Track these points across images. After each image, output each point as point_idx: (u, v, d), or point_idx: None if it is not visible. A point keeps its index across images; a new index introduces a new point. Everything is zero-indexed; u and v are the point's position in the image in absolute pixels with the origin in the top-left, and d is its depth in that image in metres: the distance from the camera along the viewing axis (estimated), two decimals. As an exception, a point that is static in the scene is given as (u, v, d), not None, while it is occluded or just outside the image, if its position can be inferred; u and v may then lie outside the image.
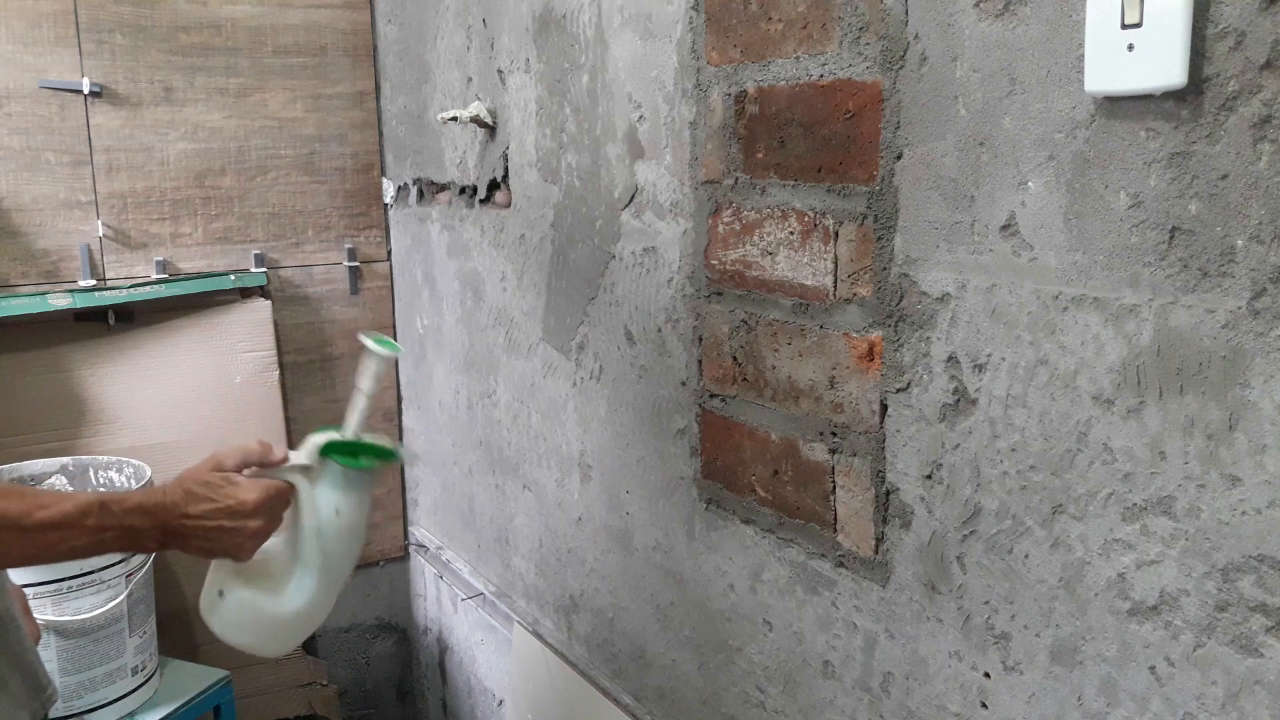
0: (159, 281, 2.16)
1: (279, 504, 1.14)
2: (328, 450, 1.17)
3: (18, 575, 1.37)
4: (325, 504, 1.17)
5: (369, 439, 1.20)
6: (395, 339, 2.45)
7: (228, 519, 1.09)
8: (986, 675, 0.98)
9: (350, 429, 1.20)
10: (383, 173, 2.39)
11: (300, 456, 1.17)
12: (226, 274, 2.24)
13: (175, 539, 1.09)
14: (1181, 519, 0.80)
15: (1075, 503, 0.88)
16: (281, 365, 2.31)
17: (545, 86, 1.64)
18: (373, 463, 1.19)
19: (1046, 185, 0.86)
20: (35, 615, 1.72)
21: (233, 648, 1.22)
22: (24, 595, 1.34)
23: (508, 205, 1.81)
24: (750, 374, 1.24)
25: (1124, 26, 0.77)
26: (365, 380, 1.21)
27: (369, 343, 1.20)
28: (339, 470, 1.17)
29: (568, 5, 1.54)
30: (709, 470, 1.34)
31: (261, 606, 1.19)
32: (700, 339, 1.33)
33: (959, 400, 0.97)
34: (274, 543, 1.18)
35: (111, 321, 2.15)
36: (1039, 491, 0.91)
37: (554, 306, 1.70)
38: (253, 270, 2.27)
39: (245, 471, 1.14)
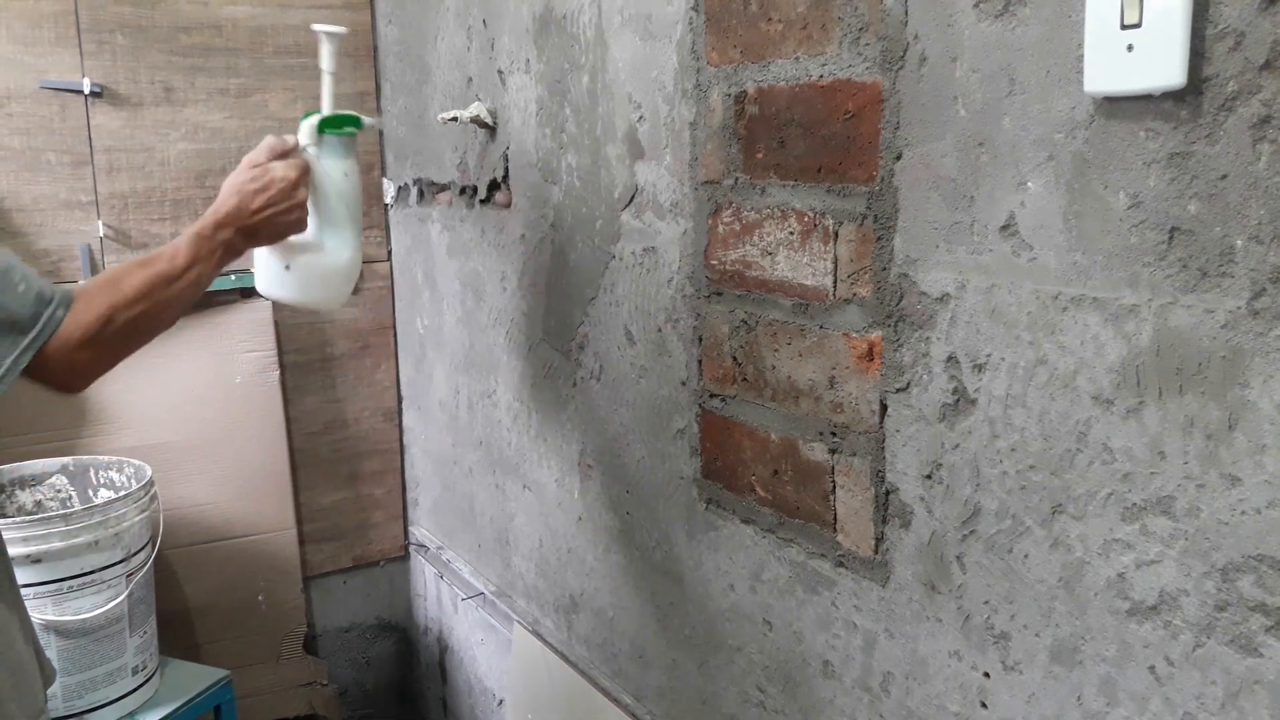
0: (159, 281, 2.16)
1: (305, 179, 1.37)
2: (323, 127, 1.44)
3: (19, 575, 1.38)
4: (335, 170, 1.44)
5: (342, 112, 1.47)
6: (395, 339, 2.46)
7: (284, 200, 1.32)
8: (986, 675, 0.98)
9: (327, 106, 1.49)
10: (383, 173, 2.39)
11: (304, 139, 1.43)
12: (227, 274, 2.24)
13: (251, 236, 1.31)
14: (1181, 519, 0.80)
15: (1075, 502, 0.88)
16: (282, 365, 2.31)
17: (545, 87, 1.64)
18: (358, 127, 1.47)
19: (1046, 185, 0.87)
20: (35, 615, 1.73)
21: (304, 309, 1.60)
22: None
23: (508, 205, 1.81)
24: (750, 374, 1.24)
25: (1123, 27, 0.77)
26: (326, 61, 1.50)
27: (320, 27, 1.49)
28: (336, 140, 1.44)
29: (568, 6, 1.54)
30: (709, 470, 1.34)
31: (320, 263, 1.46)
32: (700, 339, 1.33)
33: (959, 400, 0.97)
34: (312, 224, 1.43)
35: (112, 321, 2.15)
36: (1039, 491, 0.91)
37: (554, 306, 1.70)
38: (253, 270, 2.27)
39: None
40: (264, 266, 1.46)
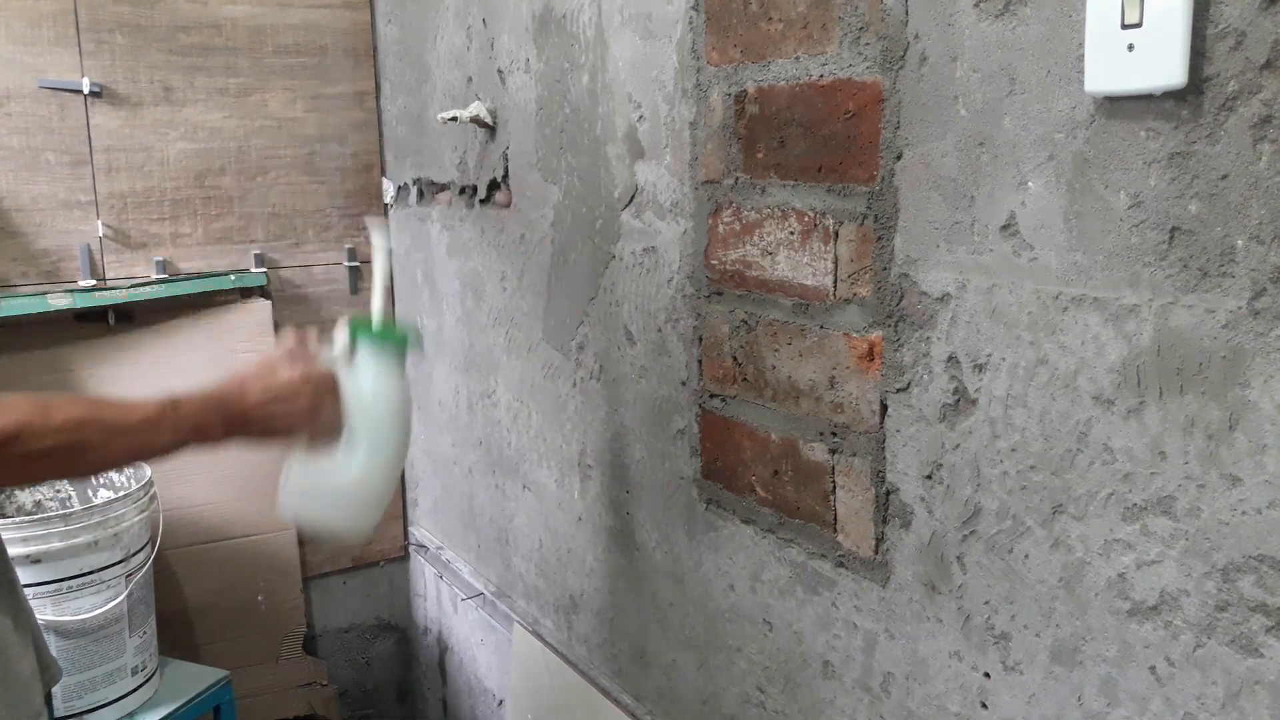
0: (159, 282, 2.16)
1: (322, 385, 1.24)
2: (355, 334, 1.31)
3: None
4: (364, 384, 1.29)
5: (393, 324, 1.33)
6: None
7: (281, 402, 1.19)
8: (986, 675, 0.98)
9: (376, 313, 1.37)
10: (383, 173, 2.39)
11: (335, 344, 1.31)
12: (226, 274, 2.24)
13: (238, 428, 1.18)
14: (1181, 519, 0.80)
15: (1075, 503, 0.88)
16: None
17: (545, 86, 1.64)
18: (396, 341, 1.33)
19: (1046, 185, 0.86)
20: (35, 615, 1.72)
21: (310, 536, 1.36)
22: None
23: (508, 205, 1.81)
24: (750, 374, 1.24)
25: (1124, 26, 0.77)
26: (379, 261, 1.39)
27: (371, 221, 1.34)
28: (371, 349, 1.30)
29: (568, 5, 1.54)
30: (709, 470, 1.34)
31: (321, 482, 1.31)
32: (700, 339, 1.33)
33: (959, 400, 0.97)
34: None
35: (111, 321, 2.15)
36: (1039, 491, 0.91)
37: (554, 306, 1.70)
38: (253, 270, 2.27)
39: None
40: (282, 477, 1.32)
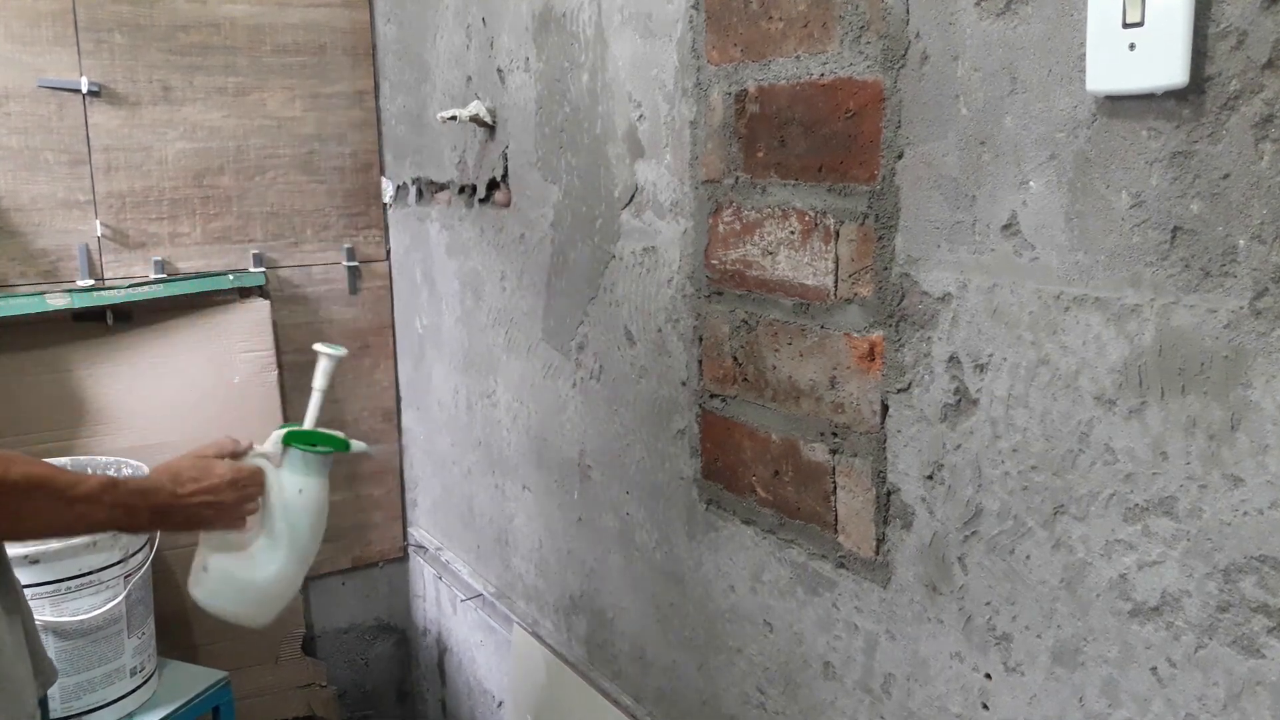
0: (157, 281, 2.16)
1: (249, 482, 1.33)
2: (289, 439, 1.39)
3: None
4: (289, 485, 1.38)
5: (325, 431, 1.42)
6: (394, 339, 2.45)
7: (208, 495, 1.28)
8: (988, 676, 0.98)
9: (308, 421, 1.44)
10: (382, 172, 2.39)
11: (267, 445, 1.39)
12: (225, 274, 2.24)
13: (161, 517, 1.26)
14: (1183, 519, 0.79)
15: (1077, 503, 0.87)
16: (280, 365, 2.31)
17: (545, 85, 1.63)
18: (328, 449, 1.41)
19: (1048, 185, 0.86)
20: (34, 616, 1.72)
21: (219, 619, 1.41)
22: None
23: (507, 205, 1.81)
24: (750, 374, 1.24)
25: (1125, 26, 0.77)
26: (319, 378, 1.46)
27: (321, 347, 1.46)
28: (299, 455, 1.39)
29: (567, 4, 1.54)
30: (709, 470, 1.34)
31: (237, 574, 1.38)
32: (700, 339, 1.32)
33: (960, 400, 0.97)
34: (252, 524, 1.37)
35: (110, 321, 2.14)
36: (1040, 492, 0.90)
37: (554, 306, 1.69)
38: (251, 270, 2.27)
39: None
40: (194, 562, 1.39)
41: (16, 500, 1.08)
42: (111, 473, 2.03)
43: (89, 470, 2.03)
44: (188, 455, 1.31)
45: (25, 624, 1.24)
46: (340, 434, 1.43)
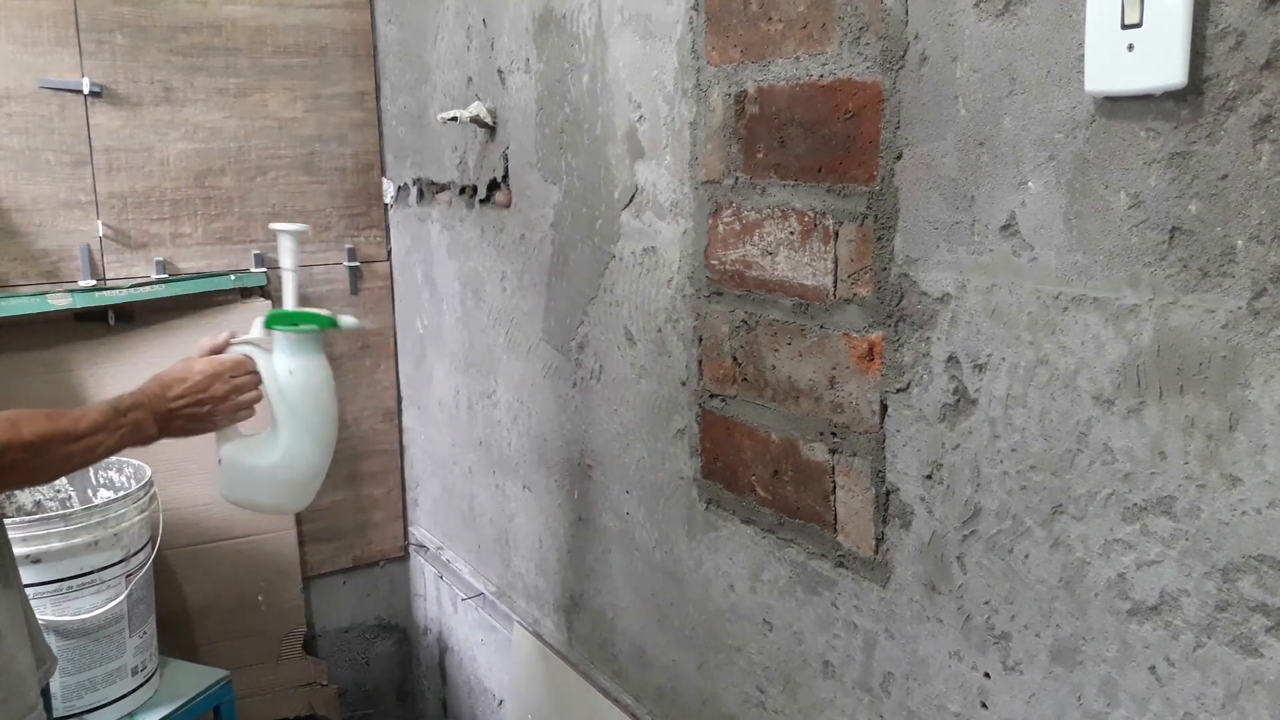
0: (159, 281, 2.16)
1: (234, 371, 1.37)
2: (270, 322, 1.41)
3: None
4: (280, 367, 1.40)
5: (307, 310, 1.42)
6: (395, 339, 2.46)
7: (198, 392, 1.33)
8: (987, 675, 0.98)
9: (288, 302, 1.45)
10: (383, 173, 2.39)
11: (251, 334, 1.42)
12: (226, 274, 2.24)
13: (167, 422, 1.32)
14: (1181, 519, 0.80)
15: (1075, 503, 0.87)
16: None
17: (545, 86, 1.64)
18: (310, 326, 1.41)
19: (1046, 185, 0.86)
20: (36, 615, 1.72)
21: (247, 508, 1.47)
22: None
23: (508, 205, 1.81)
24: (750, 374, 1.24)
25: (1124, 26, 0.77)
26: (286, 258, 1.46)
27: (278, 226, 1.46)
28: (282, 337, 1.41)
29: (568, 5, 1.54)
30: (709, 470, 1.34)
31: (247, 462, 1.42)
32: (700, 339, 1.33)
33: (959, 400, 0.97)
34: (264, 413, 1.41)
35: (111, 321, 2.15)
36: (1039, 491, 0.90)
37: (554, 306, 1.69)
38: (253, 270, 2.27)
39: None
40: (216, 464, 1.45)
41: (33, 457, 1.14)
42: (113, 474, 2.04)
43: (91, 471, 2.04)
44: (174, 363, 1.36)
45: (26, 615, 1.24)
46: (325, 311, 1.44)
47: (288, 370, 1.41)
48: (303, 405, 1.41)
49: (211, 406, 1.34)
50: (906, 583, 1.05)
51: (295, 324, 1.41)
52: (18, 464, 1.13)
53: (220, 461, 1.42)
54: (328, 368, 1.46)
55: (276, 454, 1.42)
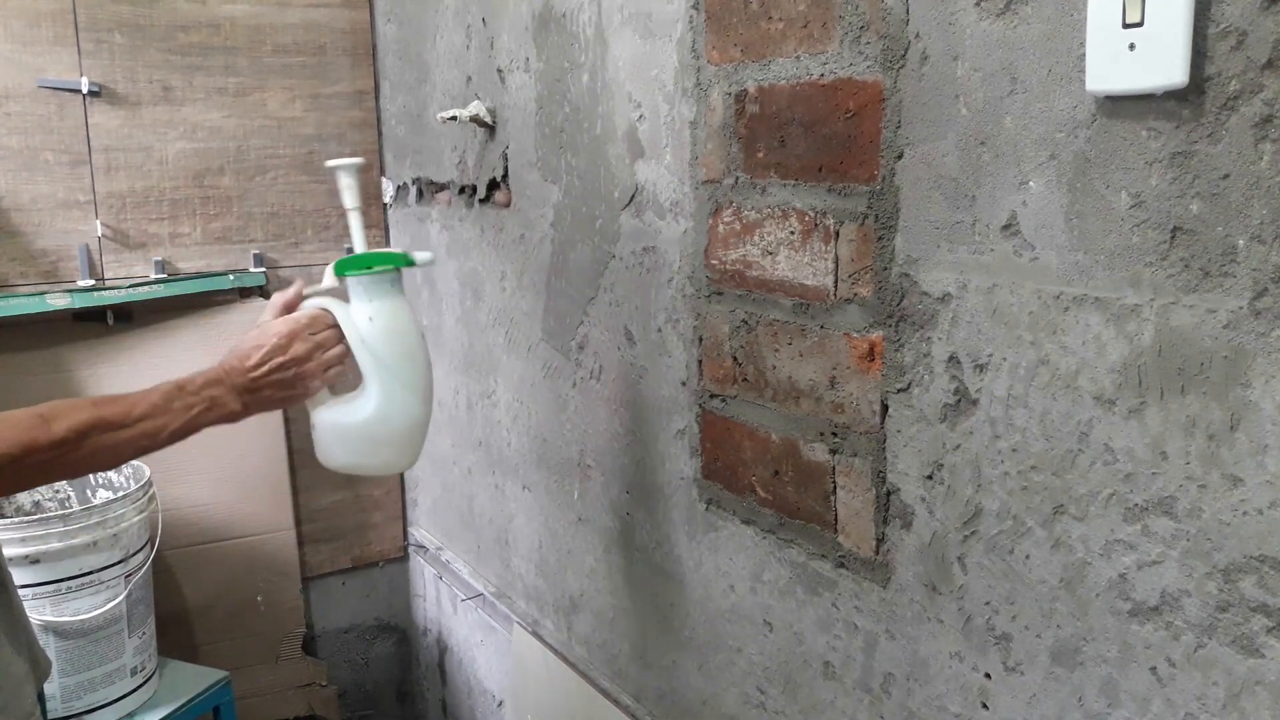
0: (158, 281, 2.16)
1: (314, 326, 1.25)
2: (340, 268, 1.29)
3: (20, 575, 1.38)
4: (358, 315, 1.28)
5: (379, 250, 1.31)
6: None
7: (279, 354, 1.21)
8: (987, 676, 0.98)
9: (357, 245, 1.35)
10: (382, 172, 2.39)
11: (322, 285, 1.31)
12: (225, 274, 2.24)
13: (251, 395, 1.20)
14: (1183, 519, 0.80)
15: (1076, 503, 0.87)
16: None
17: (545, 86, 1.63)
18: (385, 267, 1.29)
19: (1048, 185, 0.86)
20: (34, 616, 1.72)
21: (352, 473, 1.37)
22: None
23: (507, 205, 1.81)
24: (750, 374, 1.24)
25: (1125, 26, 0.77)
26: (347, 197, 1.36)
27: (334, 162, 1.35)
28: (355, 282, 1.29)
29: (567, 4, 1.54)
30: (709, 470, 1.34)
31: (342, 423, 1.30)
32: (700, 339, 1.32)
33: (960, 400, 0.97)
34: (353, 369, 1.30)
35: (110, 321, 2.15)
36: (1040, 492, 0.90)
37: (554, 306, 1.69)
38: (252, 270, 2.27)
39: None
40: (312, 432, 1.34)
41: (69, 451, 1.07)
42: (112, 474, 2.03)
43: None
44: (251, 329, 1.25)
45: (21, 620, 1.24)
46: (395, 249, 1.32)
47: (367, 317, 1.28)
48: (389, 352, 1.29)
49: (297, 369, 1.22)
50: (907, 583, 1.05)
51: (368, 266, 1.29)
52: (50, 462, 1.06)
53: (315, 428, 1.32)
54: (409, 309, 1.34)
55: (370, 409, 1.29)
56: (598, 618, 1.67)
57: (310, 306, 1.28)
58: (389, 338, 1.29)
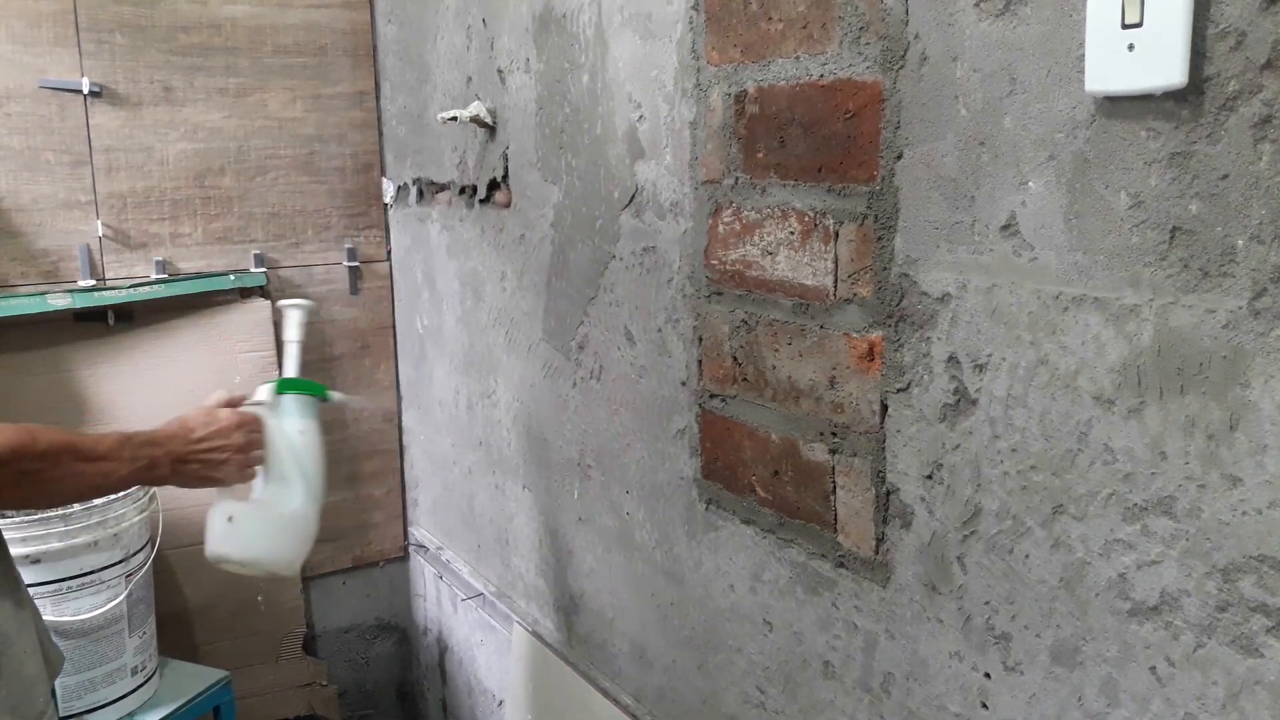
0: (158, 281, 2.16)
1: (253, 427, 1.41)
2: (282, 387, 1.49)
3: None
4: (290, 428, 1.47)
5: (308, 380, 1.53)
6: (395, 339, 2.46)
7: (220, 439, 1.34)
8: (987, 675, 0.98)
9: (291, 371, 1.55)
10: (383, 172, 2.39)
11: (260, 396, 1.48)
12: (226, 274, 2.24)
13: (181, 466, 1.31)
14: (1182, 519, 0.80)
15: (1076, 503, 0.87)
16: (281, 365, 2.31)
17: (545, 86, 1.64)
18: (321, 391, 1.52)
19: (1047, 185, 0.86)
20: (41, 617, 1.72)
21: (247, 574, 1.49)
22: None
23: (508, 205, 1.81)
24: (750, 374, 1.24)
25: (1124, 26, 0.77)
26: (292, 331, 1.56)
27: (287, 304, 1.57)
28: (295, 400, 1.49)
29: (568, 5, 1.54)
30: (709, 470, 1.34)
31: (263, 517, 1.45)
32: (700, 339, 1.33)
33: (959, 400, 0.97)
34: (261, 477, 1.46)
35: (111, 321, 2.15)
36: (1039, 492, 0.90)
37: (554, 306, 1.69)
38: (252, 270, 2.27)
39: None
40: (211, 524, 1.45)
41: (48, 467, 1.13)
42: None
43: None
44: (194, 409, 1.37)
45: (34, 619, 1.24)
46: (317, 382, 1.53)
47: (299, 430, 1.47)
48: (311, 464, 1.48)
49: (229, 455, 1.35)
50: (907, 583, 1.05)
51: (304, 391, 1.50)
52: (32, 473, 1.12)
53: (231, 519, 1.42)
54: (321, 434, 1.54)
55: (293, 506, 1.45)
56: (597, 617, 1.67)
57: (248, 410, 1.43)
58: (315, 451, 1.49)
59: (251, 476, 1.43)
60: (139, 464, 1.24)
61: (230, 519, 1.43)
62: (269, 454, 1.44)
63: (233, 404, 1.42)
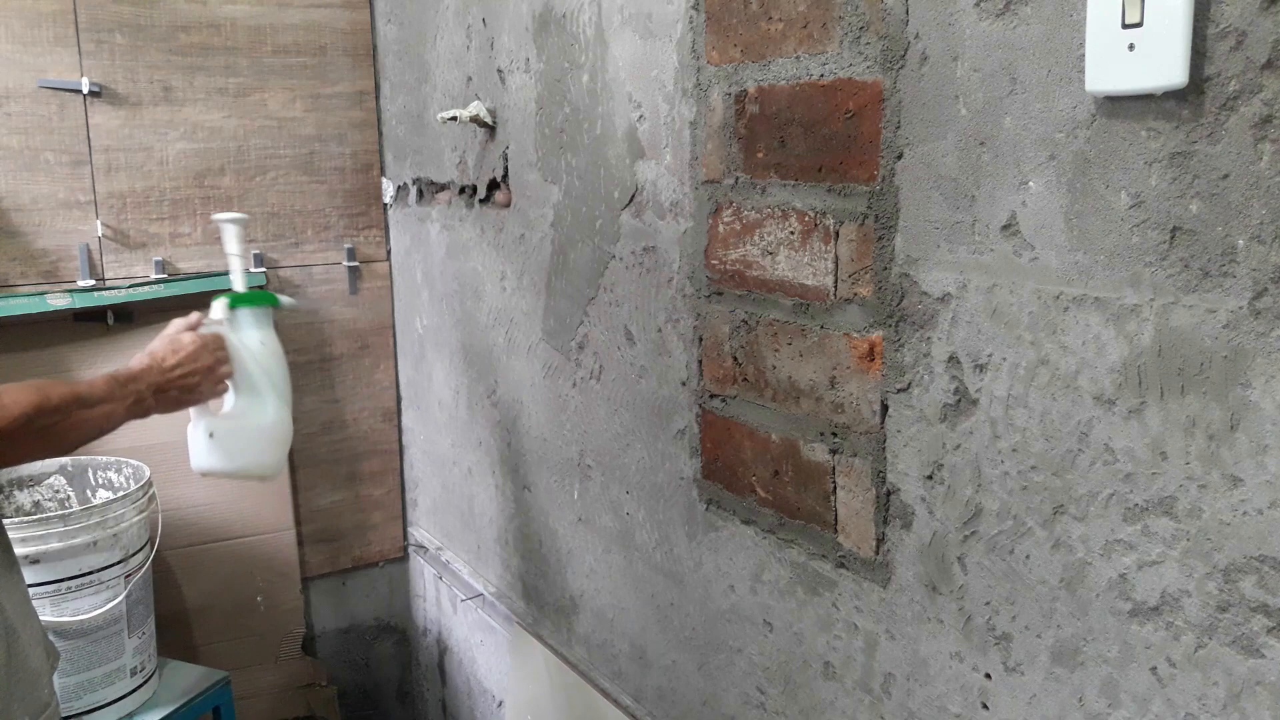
0: (158, 281, 2.16)
1: (216, 345, 1.48)
2: (235, 302, 1.55)
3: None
4: (250, 340, 1.55)
5: (257, 290, 1.60)
6: (394, 339, 2.46)
7: (190, 363, 1.41)
8: (988, 676, 0.98)
9: (238, 285, 1.61)
10: (382, 172, 2.39)
11: (216, 314, 1.54)
12: (226, 274, 2.23)
13: (162, 395, 1.38)
14: (1183, 519, 0.80)
15: (1076, 503, 0.87)
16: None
17: (545, 86, 1.64)
18: (273, 300, 1.59)
19: (1047, 185, 0.86)
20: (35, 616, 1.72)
21: (232, 480, 1.63)
22: None
23: (507, 205, 1.81)
24: (750, 374, 1.24)
25: (1124, 26, 0.77)
26: (230, 245, 1.63)
27: (219, 217, 1.63)
28: (248, 314, 1.56)
29: (568, 5, 1.54)
30: (709, 470, 1.34)
31: (244, 426, 1.54)
32: (700, 339, 1.32)
33: (960, 400, 0.97)
34: (232, 391, 1.54)
35: (110, 321, 2.15)
36: (1040, 492, 0.90)
37: (554, 306, 1.69)
38: (252, 270, 2.27)
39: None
40: (193, 442, 1.53)
41: (61, 419, 1.20)
42: (112, 474, 2.03)
43: (89, 472, 2.04)
44: (157, 339, 1.44)
45: (34, 612, 1.25)
46: (266, 290, 1.60)
47: (259, 342, 1.55)
48: (278, 371, 1.56)
49: (200, 378, 1.42)
50: (907, 583, 1.05)
51: (257, 303, 1.56)
52: (49, 427, 1.18)
53: (211, 435, 1.51)
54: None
55: (268, 414, 1.54)
56: (597, 618, 1.67)
57: (208, 330, 1.50)
58: (278, 358, 1.58)
59: (224, 391, 1.51)
60: (128, 401, 1.30)
61: (211, 435, 1.51)
62: (236, 368, 1.51)
63: (192, 327, 1.47)
